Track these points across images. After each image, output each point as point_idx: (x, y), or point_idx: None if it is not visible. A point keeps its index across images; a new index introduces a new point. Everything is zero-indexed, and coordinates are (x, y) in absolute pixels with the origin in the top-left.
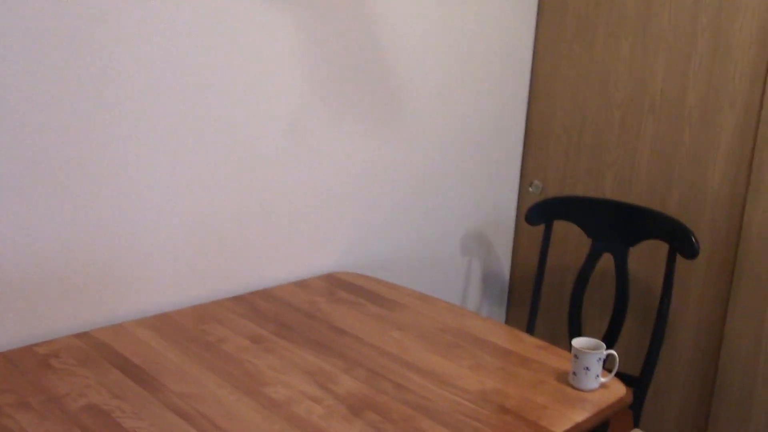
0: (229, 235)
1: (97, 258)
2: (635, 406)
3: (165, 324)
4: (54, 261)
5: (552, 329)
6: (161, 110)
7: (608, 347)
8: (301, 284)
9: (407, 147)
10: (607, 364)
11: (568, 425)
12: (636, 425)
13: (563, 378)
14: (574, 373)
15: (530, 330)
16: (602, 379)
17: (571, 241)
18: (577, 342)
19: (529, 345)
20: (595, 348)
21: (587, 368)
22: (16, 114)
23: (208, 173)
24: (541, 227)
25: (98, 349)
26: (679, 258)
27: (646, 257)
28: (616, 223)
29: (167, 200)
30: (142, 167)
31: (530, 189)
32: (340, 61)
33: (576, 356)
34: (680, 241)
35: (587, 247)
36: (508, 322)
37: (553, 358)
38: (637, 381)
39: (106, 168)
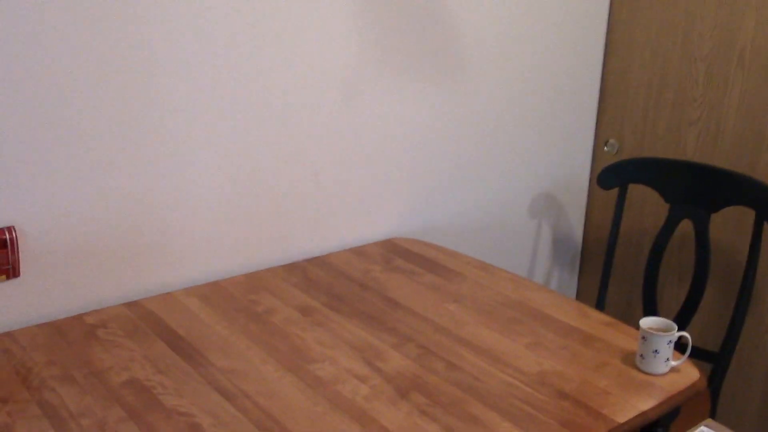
0: (283, 201)
1: (147, 226)
2: (713, 384)
3: (214, 293)
4: (104, 230)
5: (627, 297)
6: (209, 74)
7: (686, 320)
8: (358, 251)
9: (471, 105)
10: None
11: (632, 414)
12: (714, 406)
13: (630, 359)
14: (642, 356)
15: (601, 299)
16: (673, 363)
17: (648, 205)
18: (646, 322)
19: (594, 321)
20: (666, 329)
21: (656, 351)
22: (60, 86)
23: (261, 139)
24: (616, 191)
25: (146, 320)
26: (766, 227)
27: (731, 224)
28: (697, 188)
29: (218, 167)
30: (193, 134)
31: (605, 149)
32: (395, 16)
33: (644, 338)
34: None
35: (665, 213)
36: (579, 290)
37: (620, 336)
38: (717, 357)
39: (153, 135)
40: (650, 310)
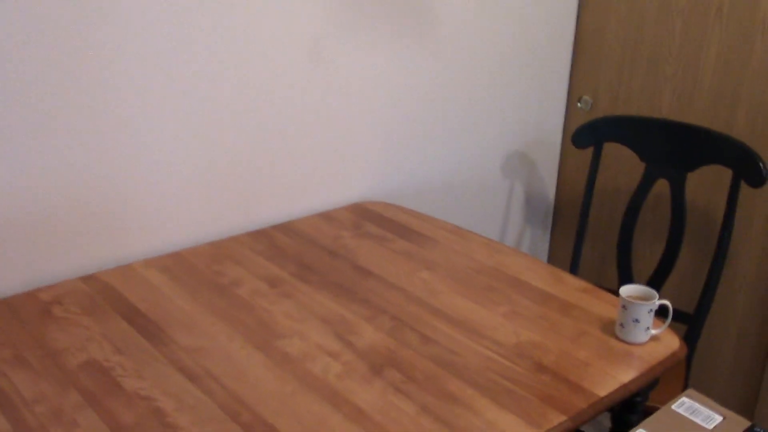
0: (248, 166)
1: (104, 194)
2: (688, 345)
3: (177, 264)
4: (59, 199)
5: (600, 256)
6: (169, 36)
7: (660, 281)
8: (326, 216)
9: (442, 63)
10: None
11: (613, 387)
12: (688, 368)
13: (608, 328)
14: (622, 325)
15: (576, 260)
16: (653, 331)
17: (622, 163)
18: (626, 290)
19: (571, 288)
20: (646, 297)
21: (636, 320)
22: (19, 55)
23: (222, 101)
24: (590, 150)
25: (104, 294)
26: (743, 186)
27: (707, 184)
28: (673, 146)
29: (177, 131)
30: (151, 95)
31: (579, 105)
32: None
33: (624, 307)
34: (746, 167)
35: (640, 172)
36: (551, 248)
37: (598, 303)
38: (692, 319)
39: (109, 96)
40: (625, 271)
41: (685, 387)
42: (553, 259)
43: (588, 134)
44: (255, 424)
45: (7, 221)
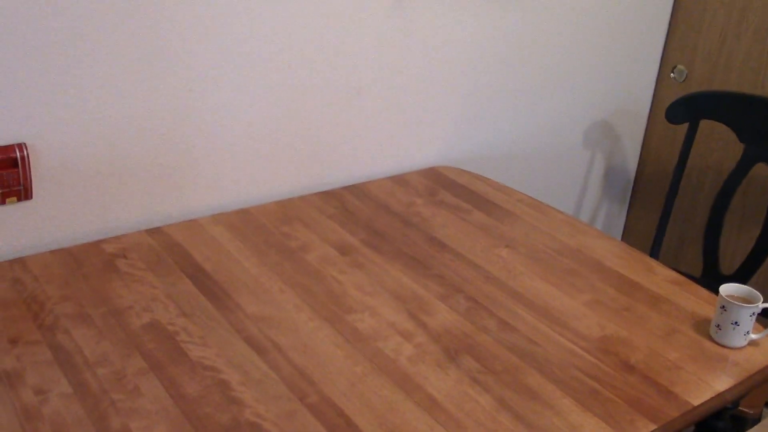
0: (320, 122)
1: (171, 146)
2: None
3: (244, 222)
4: (125, 149)
5: (679, 239)
6: None
7: (748, 274)
8: (400, 180)
9: (529, 23)
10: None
11: (708, 395)
12: None
13: (702, 327)
14: (718, 326)
15: (659, 240)
16: (753, 336)
17: (714, 141)
18: (726, 290)
19: (660, 278)
20: (749, 299)
21: (736, 323)
22: (90, 5)
23: (297, 53)
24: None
25: (169, 250)
26: None
27: None
28: None
29: (250, 85)
30: (223, 49)
31: (672, 75)
32: None
33: (723, 307)
34: None
35: (735, 152)
36: (627, 223)
37: (690, 298)
38: None
39: (180, 48)
40: (710, 258)
41: None
42: (628, 236)
43: (684, 109)
44: (322, 407)
45: (74, 170)
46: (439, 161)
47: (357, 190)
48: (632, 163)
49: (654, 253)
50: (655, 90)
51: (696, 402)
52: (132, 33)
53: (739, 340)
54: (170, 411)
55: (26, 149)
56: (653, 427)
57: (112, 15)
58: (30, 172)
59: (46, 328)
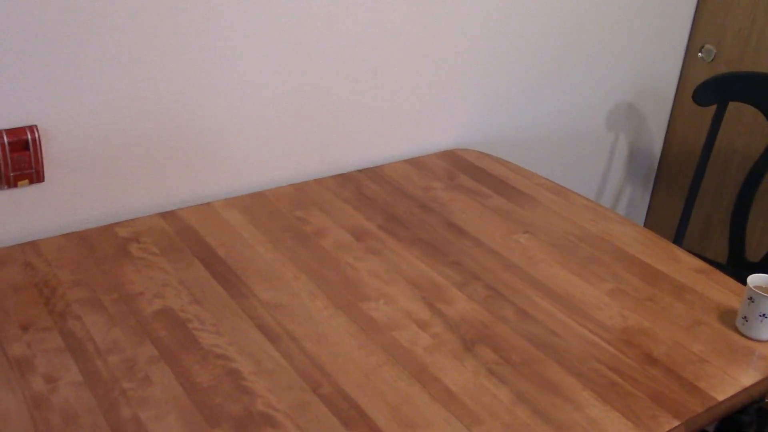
0: (336, 103)
1: (184, 128)
2: None
3: (258, 205)
4: (138, 131)
5: (705, 223)
6: None
7: None
8: (417, 163)
9: (552, 1)
10: None
11: (734, 390)
12: None
13: (727, 319)
14: (745, 318)
15: (683, 225)
16: None
17: (743, 123)
18: (754, 280)
19: (684, 267)
20: None
21: (764, 315)
22: None
23: (313, 31)
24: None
25: (182, 234)
26: None
27: None
28: None
29: (264, 65)
30: (236, 28)
31: (699, 55)
32: None
33: (751, 299)
34: None
35: (765, 134)
36: (651, 208)
37: (715, 288)
38: None
39: (192, 29)
40: (737, 244)
41: None
42: (651, 220)
43: (713, 91)
44: (335, 399)
45: (87, 152)
46: (458, 144)
47: (373, 173)
48: (657, 146)
49: (678, 238)
50: (682, 70)
51: (721, 397)
52: (144, 14)
53: (767, 333)
54: (181, 400)
55: (38, 132)
56: (676, 422)
57: (125, 2)
58: (42, 154)
59: (57, 314)
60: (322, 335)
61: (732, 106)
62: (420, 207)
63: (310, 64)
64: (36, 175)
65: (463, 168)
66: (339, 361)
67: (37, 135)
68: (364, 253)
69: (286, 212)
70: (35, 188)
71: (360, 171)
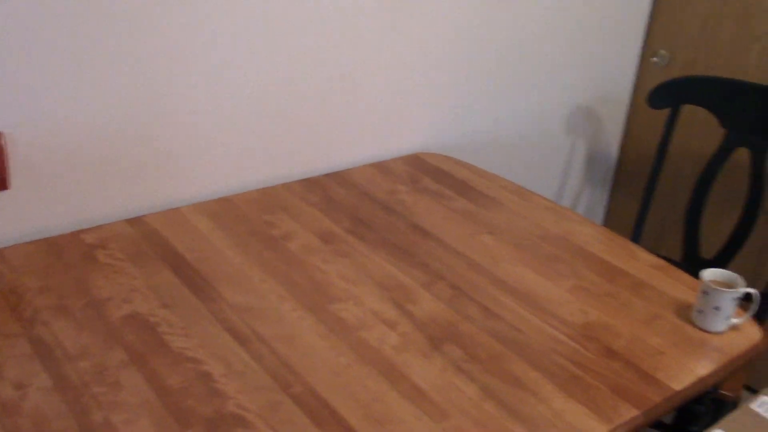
0: (300, 110)
1: (151, 134)
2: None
3: (226, 211)
4: (105, 137)
5: (661, 223)
6: None
7: (727, 258)
8: (382, 167)
9: (510, 8)
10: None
11: (690, 380)
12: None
13: (684, 312)
14: (700, 311)
15: (640, 224)
16: (734, 320)
17: (695, 126)
18: (708, 274)
19: (643, 264)
20: (730, 283)
21: (717, 307)
22: None
23: (275, 44)
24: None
25: (150, 240)
26: None
27: None
28: (760, 113)
29: (231, 73)
30: (202, 33)
31: (653, 59)
32: None
33: (705, 292)
34: None
35: (716, 137)
36: (609, 208)
37: (672, 283)
38: (763, 297)
39: (159, 33)
40: (691, 242)
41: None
42: (609, 221)
43: (666, 94)
44: (306, 398)
45: (53, 159)
46: (422, 148)
47: (339, 177)
48: (614, 149)
49: (636, 237)
50: (637, 75)
51: (678, 387)
52: (111, 22)
53: (720, 325)
54: (152, 404)
55: (3, 138)
56: (636, 412)
57: (92, 8)
58: (7, 161)
59: (25, 321)
60: (292, 337)
61: (685, 109)
62: (386, 210)
63: (276, 70)
64: (0, 182)
65: (427, 171)
66: (309, 361)
67: (2, 141)
68: (331, 255)
69: (253, 217)
70: (0, 195)
71: (326, 175)
